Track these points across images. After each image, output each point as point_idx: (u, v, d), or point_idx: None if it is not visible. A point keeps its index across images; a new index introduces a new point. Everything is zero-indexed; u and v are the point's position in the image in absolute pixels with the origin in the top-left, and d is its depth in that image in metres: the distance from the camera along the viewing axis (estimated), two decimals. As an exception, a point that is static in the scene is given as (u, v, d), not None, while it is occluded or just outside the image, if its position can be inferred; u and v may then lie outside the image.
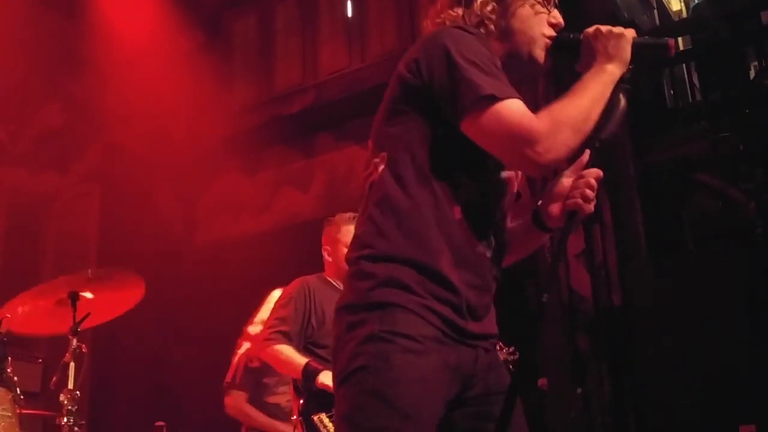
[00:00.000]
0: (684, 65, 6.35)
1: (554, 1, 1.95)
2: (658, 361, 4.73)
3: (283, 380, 4.24)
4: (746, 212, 5.43)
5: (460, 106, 1.67)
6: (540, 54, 1.88)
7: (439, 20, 1.92)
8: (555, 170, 1.84)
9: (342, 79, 6.65)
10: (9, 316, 3.51)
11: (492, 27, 1.87)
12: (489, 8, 1.88)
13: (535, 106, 1.75)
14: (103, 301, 3.73)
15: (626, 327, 5.15)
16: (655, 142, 5.80)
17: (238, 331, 4.57)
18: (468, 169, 1.76)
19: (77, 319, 3.54)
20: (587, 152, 1.84)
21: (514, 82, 1.82)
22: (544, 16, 1.90)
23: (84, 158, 7.51)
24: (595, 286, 5.47)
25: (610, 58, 1.78)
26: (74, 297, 3.58)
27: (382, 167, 1.78)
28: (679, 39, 6.31)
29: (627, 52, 1.79)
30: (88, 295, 3.62)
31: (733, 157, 5.56)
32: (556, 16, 1.93)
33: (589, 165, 1.84)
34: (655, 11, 6.69)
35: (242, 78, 7.37)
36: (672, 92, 6.15)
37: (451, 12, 1.91)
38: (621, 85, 1.79)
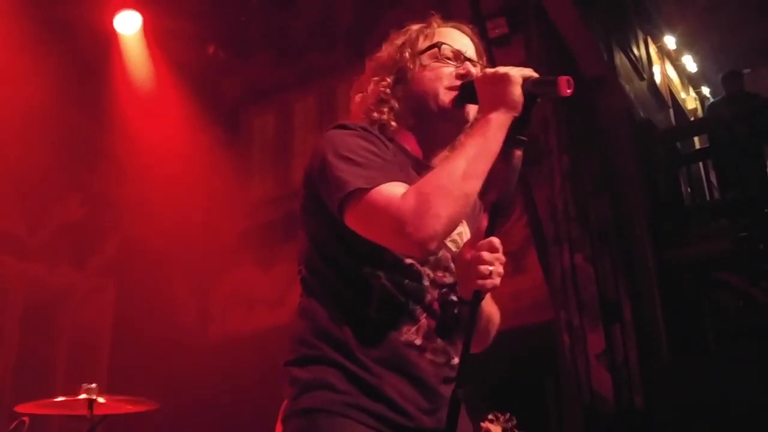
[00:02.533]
0: (701, 163, 6.38)
1: (464, 56, 1.83)
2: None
3: None
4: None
5: (336, 207, 1.61)
6: (444, 99, 1.77)
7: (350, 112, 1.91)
8: (440, 245, 1.68)
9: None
10: (27, 420, 3.63)
11: (394, 102, 1.80)
12: (384, 84, 1.82)
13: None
14: (118, 407, 3.91)
15: (649, 428, 5.00)
16: (675, 240, 5.75)
17: (251, 426, 4.47)
18: (374, 259, 1.67)
19: (93, 423, 3.68)
20: (484, 218, 1.65)
21: (453, 136, 1.80)
22: (451, 71, 1.79)
23: (101, 252, 7.55)
24: (616, 387, 5.33)
25: (494, 106, 1.63)
26: (90, 403, 3.68)
27: (302, 268, 1.76)
28: (696, 138, 6.38)
29: (513, 96, 1.61)
30: (102, 400, 3.74)
31: (753, 255, 5.51)
32: (467, 68, 1.80)
33: (495, 229, 1.63)
34: (671, 110, 6.78)
35: (260, 173, 7.46)
36: (689, 190, 6.15)
37: (354, 99, 1.89)
38: (514, 136, 1.62)
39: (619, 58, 6.17)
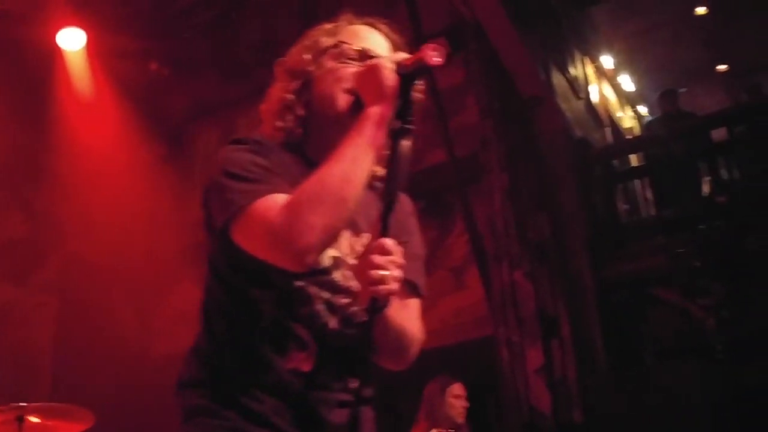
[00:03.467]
0: (638, 181, 6.48)
1: (369, 55, 1.70)
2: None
3: None
4: (705, 328, 5.42)
5: (221, 226, 1.55)
6: (340, 104, 1.65)
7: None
8: (317, 256, 1.56)
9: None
10: None
11: (299, 109, 1.70)
12: (288, 89, 1.72)
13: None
14: (51, 427, 3.77)
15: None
16: (612, 257, 5.83)
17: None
18: (262, 281, 1.60)
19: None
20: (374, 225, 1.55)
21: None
22: (354, 72, 1.67)
23: (43, 269, 7.44)
24: (554, 403, 5.37)
25: (371, 100, 1.54)
26: (20, 419, 3.57)
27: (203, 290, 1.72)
28: (632, 156, 6.48)
29: (386, 83, 1.53)
30: (35, 419, 3.63)
31: (689, 272, 5.60)
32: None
33: (387, 230, 1.50)
34: (608, 129, 6.89)
35: (201, 189, 7.41)
36: (626, 207, 6.25)
37: (262, 108, 1.78)
38: (399, 125, 1.52)
39: (557, 78, 6.27)
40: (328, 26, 1.78)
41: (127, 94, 7.05)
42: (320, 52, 1.72)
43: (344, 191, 1.48)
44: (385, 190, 1.54)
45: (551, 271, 5.61)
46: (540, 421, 5.40)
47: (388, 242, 1.49)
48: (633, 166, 6.56)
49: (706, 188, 6.20)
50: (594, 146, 6.34)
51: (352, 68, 1.67)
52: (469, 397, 4.62)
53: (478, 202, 5.88)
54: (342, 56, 1.70)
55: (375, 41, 1.74)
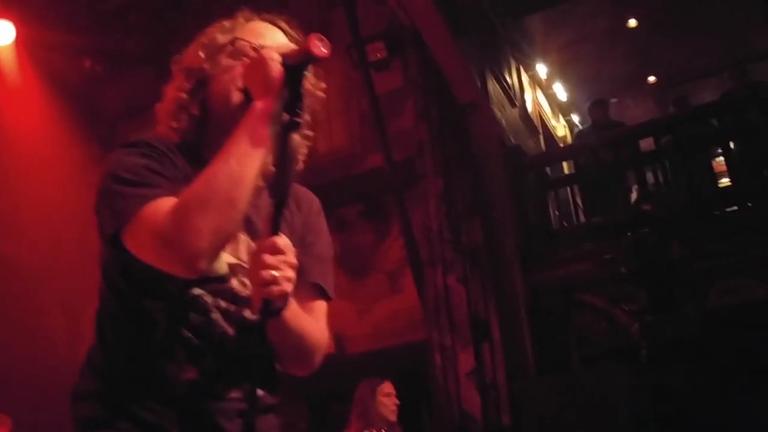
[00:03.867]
0: (569, 188, 6.61)
1: (260, 45, 1.63)
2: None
3: None
4: (630, 333, 5.56)
5: (111, 233, 1.46)
6: (234, 102, 1.58)
7: None
8: (209, 261, 1.48)
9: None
10: None
11: (193, 108, 1.62)
12: (182, 88, 1.64)
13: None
14: None
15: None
16: (542, 263, 5.94)
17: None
18: (156, 290, 1.54)
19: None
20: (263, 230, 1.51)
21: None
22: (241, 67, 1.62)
23: (-32, 267, 7.20)
24: (484, 406, 5.45)
25: (257, 94, 1.48)
26: None
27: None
28: (565, 164, 6.62)
29: (271, 75, 1.46)
30: None
31: (616, 278, 5.74)
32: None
33: (278, 227, 1.45)
34: (541, 136, 7.00)
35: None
36: (557, 214, 6.37)
37: (157, 107, 1.69)
38: (286, 118, 1.45)
39: (493, 86, 6.37)
40: (225, 23, 1.71)
41: (60, 91, 6.88)
42: (216, 50, 1.65)
43: (232, 192, 1.40)
44: (273, 185, 1.47)
45: (483, 276, 5.69)
46: (470, 424, 5.48)
47: (280, 241, 1.43)
48: (565, 174, 6.69)
49: (633, 196, 6.36)
50: (527, 153, 6.45)
51: (239, 63, 1.61)
52: (403, 401, 4.68)
53: (414, 207, 5.93)
54: (238, 54, 1.63)
55: (273, 38, 1.67)
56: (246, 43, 1.64)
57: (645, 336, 5.48)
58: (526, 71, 7.61)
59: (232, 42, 1.65)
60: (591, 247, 5.99)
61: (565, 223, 6.45)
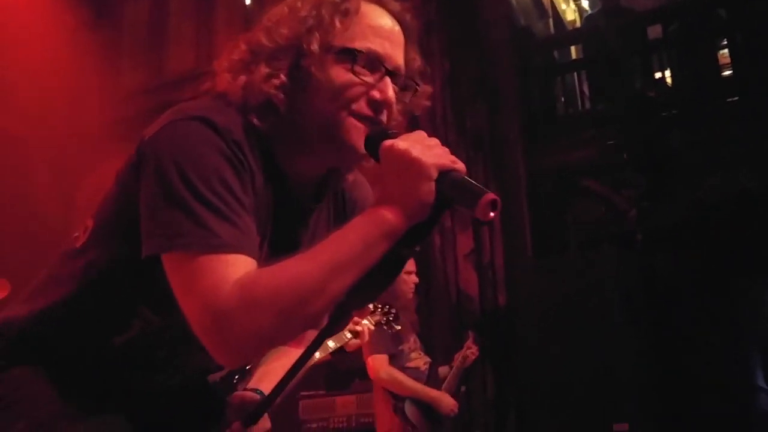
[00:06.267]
0: (575, 74, 6.54)
1: (385, 66, 1.33)
2: (539, 360, 4.85)
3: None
4: (627, 218, 5.64)
5: (150, 248, 1.22)
6: (351, 137, 1.31)
7: (214, 84, 1.39)
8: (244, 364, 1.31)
9: (238, 67, 6.48)
10: None
11: (280, 107, 1.32)
12: (277, 83, 1.31)
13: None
14: None
15: (510, 326, 5.26)
16: (545, 148, 5.94)
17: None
18: (158, 304, 1.34)
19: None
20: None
21: (330, 165, 1.40)
22: (361, 91, 1.31)
23: (-43, 139, 7.05)
24: (482, 286, 5.56)
25: (392, 199, 1.18)
26: None
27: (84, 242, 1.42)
28: (573, 49, 6.52)
29: (421, 194, 1.16)
30: None
31: (617, 164, 5.77)
32: (383, 89, 1.32)
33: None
34: (551, 20, 6.86)
35: (130, 60, 7.08)
36: (563, 100, 6.33)
37: (230, 80, 1.35)
38: (404, 246, 1.17)
39: (505, -36, 6.16)
40: None
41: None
42: (329, 46, 1.32)
43: (314, 305, 1.17)
44: (341, 308, 1.22)
45: (486, 159, 5.69)
46: (467, 304, 5.60)
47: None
48: (572, 60, 6.60)
49: (638, 84, 6.31)
50: (535, 36, 6.34)
51: (359, 85, 1.30)
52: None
53: (418, 88, 5.83)
54: (354, 63, 1.31)
55: (390, 35, 1.36)
56: (365, 54, 1.32)
57: (641, 221, 5.58)
58: (539, -49, 7.37)
59: (350, 52, 1.32)
60: (594, 133, 5.98)
61: (570, 110, 6.40)
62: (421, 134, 1.21)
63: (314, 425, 5.00)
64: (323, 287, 1.15)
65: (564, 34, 6.85)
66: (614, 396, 4.51)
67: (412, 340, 4.27)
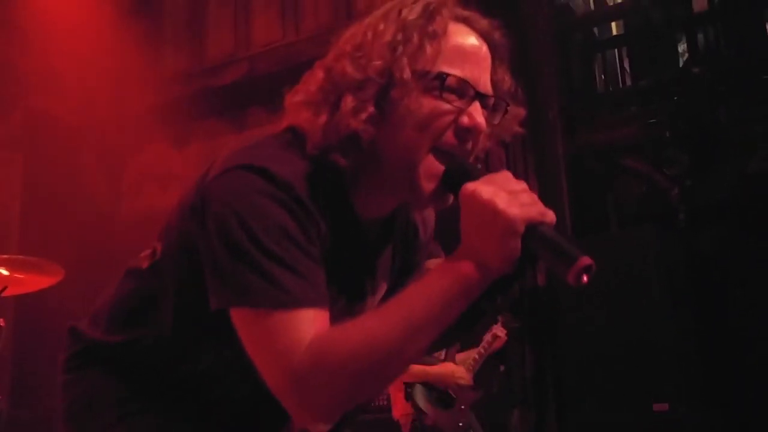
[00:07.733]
0: (616, 50, 6.43)
1: (475, 90, 1.25)
2: (579, 341, 4.81)
3: None
4: (669, 197, 5.55)
5: (217, 303, 1.18)
6: (425, 184, 1.23)
7: (287, 124, 1.31)
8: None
9: (275, 52, 6.52)
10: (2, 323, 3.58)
11: (364, 142, 1.22)
12: (364, 116, 1.21)
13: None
14: (20, 280, 3.77)
15: (550, 306, 5.23)
16: (585, 126, 5.86)
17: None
18: (217, 338, 1.29)
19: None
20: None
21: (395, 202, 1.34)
22: (449, 120, 1.23)
23: (5, 125, 7.24)
24: (519, 265, 5.52)
25: (473, 253, 1.11)
26: None
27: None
28: (613, 25, 6.40)
29: (506, 249, 1.09)
30: (4, 271, 3.64)
31: (659, 142, 5.67)
32: (473, 115, 1.24)
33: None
34: (591, -5, 6.74)
35: (172, 46, 7.18)
36: (603, 77, 6.23)
37: (310, 116, 1.25)
38: (488, 302, 1.13)
39: (543, -61, 6.06)
40: (421, 10, 1.27)
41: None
42: (417, 71, 1.23)
43: (392, 366, 1.13)
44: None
45: (523, 137, 5.64)
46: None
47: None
48: (612, 35, 6.48)
49: (683, 59, 6.18)
50: (575, 12, 6.25)
51: (448, 114, 1.22)
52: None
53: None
54: (433, 79, 1.23)
55: (477, 56, 1.29)
56: (453, 77, 1.23)
57: (684, 200, 5.48)
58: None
59: (438, 77, 1.23)
60: (636, 111, 5.88)
61: (610, 88, 6.30)
62: (506, 177, 1.13)
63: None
64: (399, 350, 1.10)
65: (605, 9, 6.71)
66: (655, 376, 4.46)
67: None
